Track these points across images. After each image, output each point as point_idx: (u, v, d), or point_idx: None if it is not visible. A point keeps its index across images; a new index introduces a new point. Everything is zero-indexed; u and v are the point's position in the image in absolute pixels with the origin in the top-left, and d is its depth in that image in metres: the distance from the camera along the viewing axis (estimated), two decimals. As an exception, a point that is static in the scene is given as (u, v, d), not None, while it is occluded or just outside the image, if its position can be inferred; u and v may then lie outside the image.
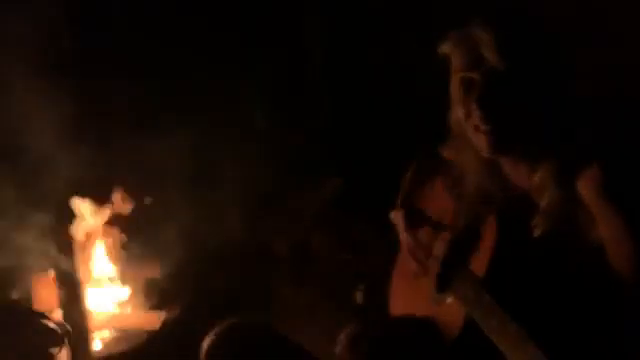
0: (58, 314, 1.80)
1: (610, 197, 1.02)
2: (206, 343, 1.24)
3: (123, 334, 1.90)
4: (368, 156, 2.95)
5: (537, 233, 1.09)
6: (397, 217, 1.50)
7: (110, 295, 2.04)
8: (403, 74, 2.59)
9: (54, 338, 1.63)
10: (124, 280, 2.09)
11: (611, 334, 1.00)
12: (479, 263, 1.18)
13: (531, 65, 1.06)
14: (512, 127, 1.09)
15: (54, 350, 1.59)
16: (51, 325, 1.67)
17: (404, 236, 1.48)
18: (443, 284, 1.28)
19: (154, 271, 2.17)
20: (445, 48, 1.15)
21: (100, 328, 1.90)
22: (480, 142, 1.12)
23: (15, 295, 1.89)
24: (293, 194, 2.75)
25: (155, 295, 2.09)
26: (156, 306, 2.06)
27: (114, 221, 2.08)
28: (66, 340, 1.64)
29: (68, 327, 1.69)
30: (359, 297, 2.16)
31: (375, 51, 2.83)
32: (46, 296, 1.88)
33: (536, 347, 0.94)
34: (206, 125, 2.54)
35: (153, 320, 1.96)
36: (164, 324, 1.95)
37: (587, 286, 1.04)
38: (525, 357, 0.95)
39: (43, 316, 1.70)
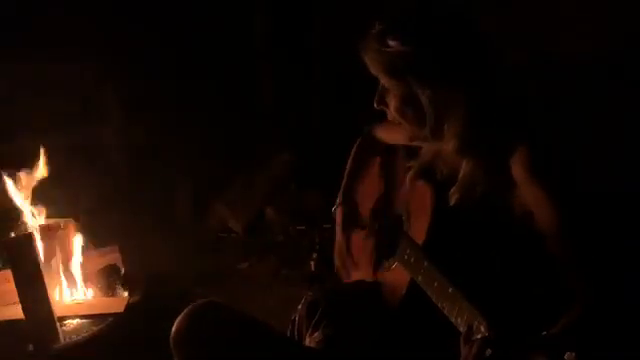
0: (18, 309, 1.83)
1: (536, 174, 1.14)
2: (176, 325, 1.27)
3: (88, 320, 1.93)
4: (317, 131, 3.03)
5: (453, 201, 1.22)
6: (337, 215, 1.62)
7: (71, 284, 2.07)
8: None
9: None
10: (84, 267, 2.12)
11: (538, 288, 1.14)
12: (419, 231, 1.30)
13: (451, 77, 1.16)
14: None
15: None
16: None
17: (339, 235, 1.59)
18: (389, 252, 1.40)
19: (114, 257, 2.21)
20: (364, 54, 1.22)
21: (65, 317, 1.92)
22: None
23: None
24: (244, 177, 2.81)
25: (117, 280, 2.13)
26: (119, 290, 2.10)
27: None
28: None
29: None
30: (313, 266, 2.25)
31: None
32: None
33: (470, 304, 1.05)
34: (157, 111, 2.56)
35: (117, 304, 2.01)
36: (128, 307, 2.00)
37: (516, 248, 1.17)
38: (461, 313, 1.06)
39: None
